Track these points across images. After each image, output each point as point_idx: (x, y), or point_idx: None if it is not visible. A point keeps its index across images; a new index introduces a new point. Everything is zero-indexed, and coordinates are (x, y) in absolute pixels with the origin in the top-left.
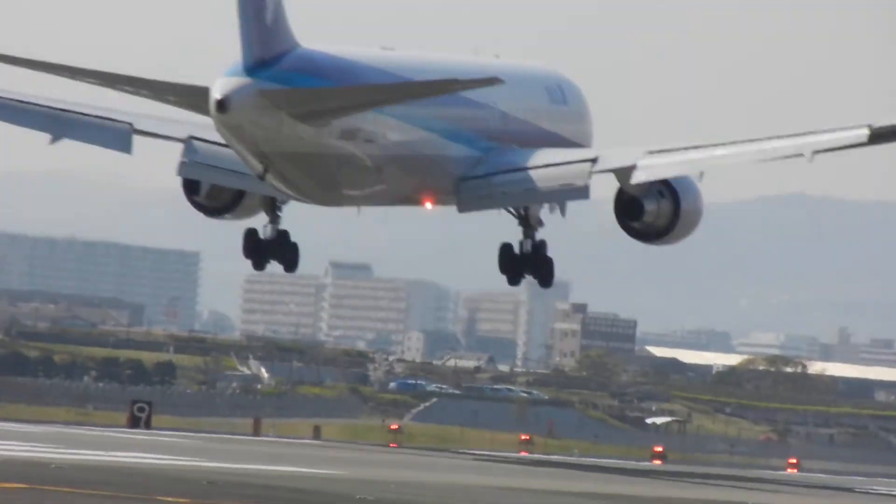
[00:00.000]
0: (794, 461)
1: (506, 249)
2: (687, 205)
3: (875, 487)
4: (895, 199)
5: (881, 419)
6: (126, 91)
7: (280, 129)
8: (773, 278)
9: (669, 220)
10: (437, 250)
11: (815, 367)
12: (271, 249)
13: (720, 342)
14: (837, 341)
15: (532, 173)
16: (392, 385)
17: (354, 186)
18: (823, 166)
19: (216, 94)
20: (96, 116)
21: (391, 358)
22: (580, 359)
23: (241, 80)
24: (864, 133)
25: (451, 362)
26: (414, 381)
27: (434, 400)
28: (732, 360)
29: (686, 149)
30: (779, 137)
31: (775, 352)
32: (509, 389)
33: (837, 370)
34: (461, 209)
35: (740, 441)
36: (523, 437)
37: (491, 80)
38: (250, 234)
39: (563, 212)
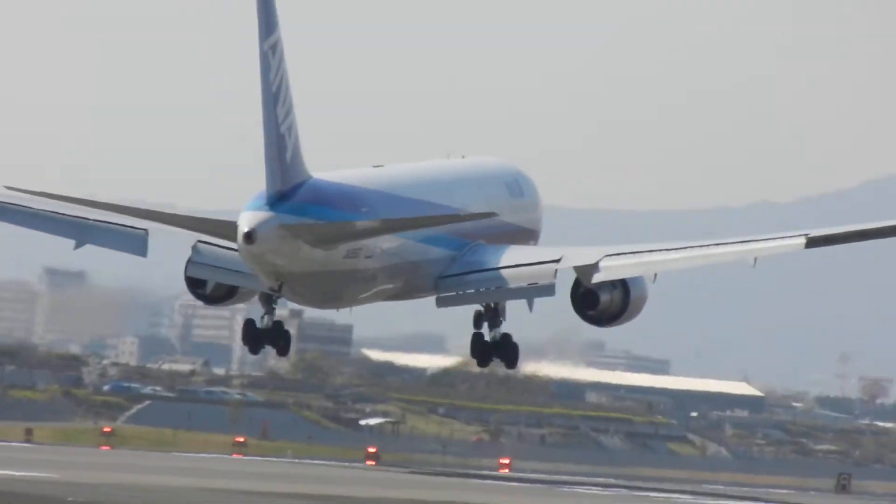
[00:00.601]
0: (507, 461)
1: (478, 337)
2: (636, 294)
3: (585, 486)
4: None
5: (592, 420)
6: (161, 222)
7: (296, 254)
8: None
9: (620, 307)
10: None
11: (528, 369)
12: (267, 337)
13: (435, 344)
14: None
15: (503, 272)
16: (106, 388)
17: (352, 293)
18: None
19: (243, 227)
20: (116, 224)
21: (105, 361)
22: (295, 361)
23: (264, 215)
24: (801, 242)
25: (166, 366)
26: (128, 384)
27: (148, 402)
28: (447, 361)
29: (640, 252)
30: (724, 244)
31: None
32: (224, 392)
33: (551, 371)
34: (439, 305)
35: (453, 441)
36: (237, 440)
37: (487, 214)
38: (249, 324)
39: (530, 306)
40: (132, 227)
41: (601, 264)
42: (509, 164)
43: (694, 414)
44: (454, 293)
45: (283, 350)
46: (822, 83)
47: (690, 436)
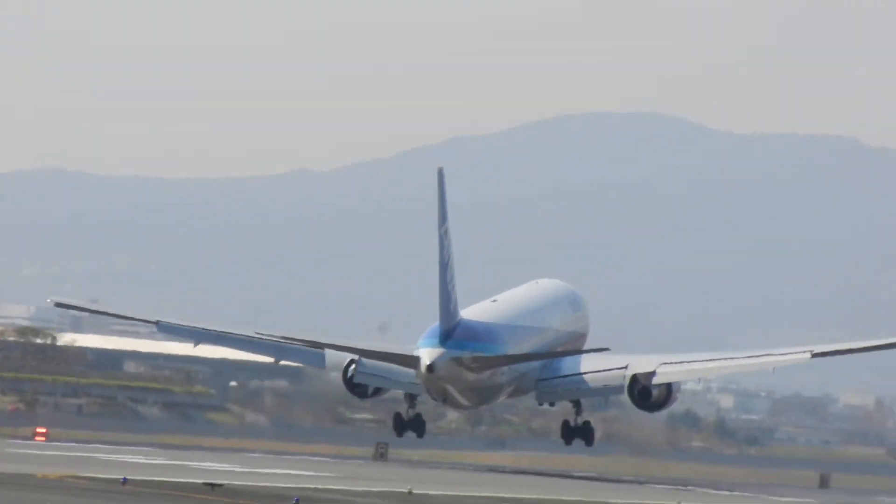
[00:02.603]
0: (43, 430)
1: (566, 424)
2: (675, 389)
3: (122, 455)
4: None
5: (130, 389)
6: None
7: (459, 377)
8: (24, 251)
9: (665, 399)
10: None
11: (66, 339)
12: (410, 425)
13: None
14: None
15: (585, 377)
16: None
17: (487, 400)
18: None
19: (426, 360)
20: (298, 340)
21: None
22: None
23: (440, 351)
24: (807, 356)
25: None
26: None
27: None
28: None
29: (685, 362)
30: (748, 357)
31: (26, 323)
32: None
33: (88, 341)
34: (539, 402)
35: None
36: None
37: (600, 349)
38: (398, 416)
39: (605, 401)
40: (312, 348)
41: (658, 371)
42: (568, 286)
43: (233, 383)
44: (549, 393)
45: (421, 434)
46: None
47: (229, 405)
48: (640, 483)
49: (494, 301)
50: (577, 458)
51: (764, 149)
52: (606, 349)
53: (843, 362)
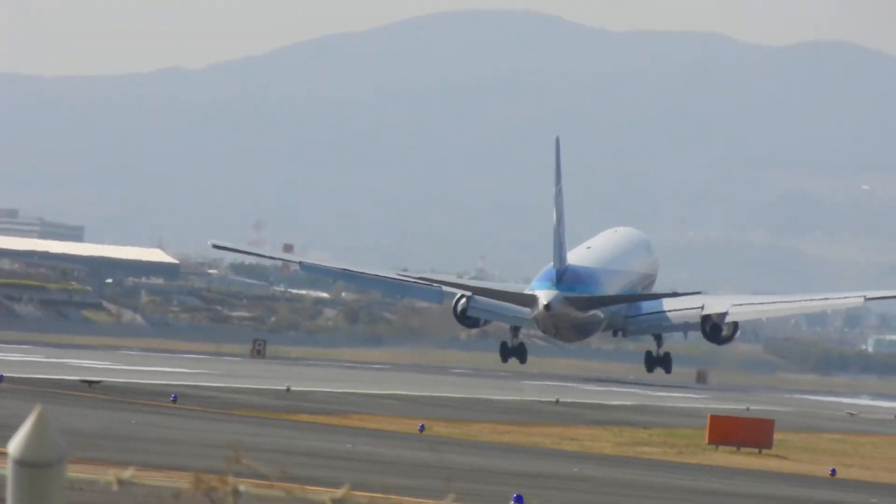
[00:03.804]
0: None
1: (648, 354)
2: (740, 326)
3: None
4: None
5: (5, 287)
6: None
7: (569, 315)
8: None
9: (732, 334)
10: None
11: None
12: (514, 351)
13: None
14: None
15: (668, 314)
16: None
17: (588, 334)
18: None
19: (543, 301)
20: (418, 280)
21: None
22: None
23: (554, 292)
24: (860, 301)
25: None
26: None
27: None
28: None
29: (755, 304)
30: (807, 300)
31: None
32: None
33: None
34: (626, 336)
35: None
36: None
37: (692, 293)
38: (503, 345)
39: (685, 335)
40: (430, 281)
41: (730, 311)
42: (641, 233)
43: (109, 281)
44: (636, 328)
45: (523, 360)
46: None
47: (105, 303)
48: (519, 380)
49: (589, 248)
50: (454, 353)
51: (639, 45)
52: (698, 293)
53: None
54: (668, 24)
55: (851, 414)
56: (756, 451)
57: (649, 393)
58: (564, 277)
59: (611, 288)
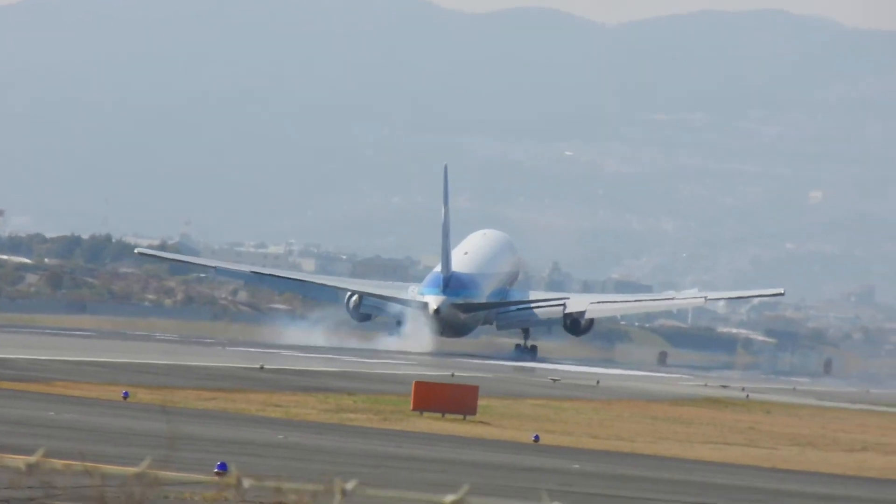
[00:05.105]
0: None
1: (518, 346)
2: (595, 320)
3: None
4: None
5: None
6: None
7: (455, 316)
8: None
9: (588, 327)
10: None
11: None
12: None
13: None
14: None
15: (535, 311)
16: None
17: (469, 331)
18: None
19: (433, 305)
20: (325, 286)
21: None
22: None
23: (443, 298)
24: (701, 301)
25: None
26: None
27: None
28: None
29: (609, 302)
30: (653, 300)
31: None
32: None
33: None
34: (498, 328)
35: None
36: None
37: (551, 298)
38: (391, 332)
39: (549, 329)
40: (339, 289)
41: (588, 309)
42: (506, 235)
43: None
44: (506, 322)
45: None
46: None
47: None
48: (223, 346)
49: (466, 253)
50: (160, 321)
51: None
52: (567, 297)
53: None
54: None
55: (554, 380)
56: (461, 417)
57: (353, 359)
58: (450, 283)
59: (487, 288)
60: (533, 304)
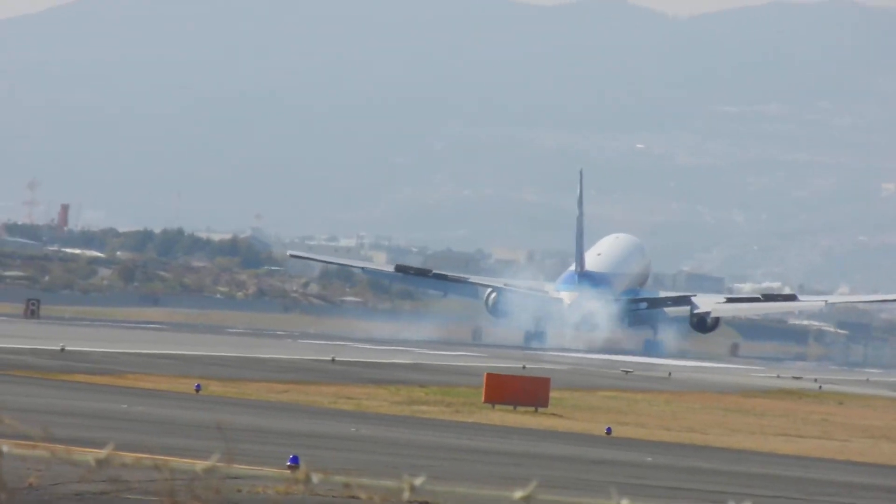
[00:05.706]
0: None
1: (647, 341)
2: (722, 319)
3: None
4: None
5: None
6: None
7: (591, 313)
8: None
9: (714, 326)
10: None
11: None
12: (536, 337)
13: None
14: None
15: (665, 309)
16: None
17: (602, 328)
18: None
19: (567, 301)
20: (471, 283)
21: None
22: None
23: (576, 294)
24: (821, 304)
25: None
26: None
27: None
28: None
29: (734, 302)
30: (777, 302)
31: None
32: None
33: None
34: (629, 326)
35: None
36: None
37: (679, 298)
38: (528, 332)
39: (677, 328)
40: (478, 284)
41: (713, 310)
42: (635, 238)
43: None
44: (639, 319)
45: (543, 343)
46: None
47: None
48: (293, 338)
49: (599, 255)
50: (231, 314)
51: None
52: (693, 294)
53: (494, 216)
54: None
55: (626, 371)
56: (532, 409)
57: (426, 352)
58: (585, 280)
59: (619, 287)
60: (661, 304)
